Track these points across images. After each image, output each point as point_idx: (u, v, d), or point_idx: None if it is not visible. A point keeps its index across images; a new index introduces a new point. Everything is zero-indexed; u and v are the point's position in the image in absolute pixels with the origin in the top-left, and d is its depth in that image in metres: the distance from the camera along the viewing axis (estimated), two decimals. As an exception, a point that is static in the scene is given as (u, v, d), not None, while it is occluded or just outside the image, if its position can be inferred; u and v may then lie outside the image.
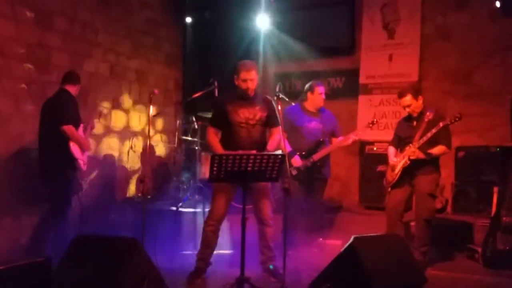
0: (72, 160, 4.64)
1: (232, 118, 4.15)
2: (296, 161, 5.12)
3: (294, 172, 5.14)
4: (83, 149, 4.76)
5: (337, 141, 5.27)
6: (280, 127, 4.27)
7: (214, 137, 4.24)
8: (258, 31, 7.53)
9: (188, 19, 7.52)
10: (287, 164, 3.78)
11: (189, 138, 6.59)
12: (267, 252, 4.26)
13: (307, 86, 5.38)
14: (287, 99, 6.11)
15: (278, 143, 4.28)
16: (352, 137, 5.19)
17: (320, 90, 5.26)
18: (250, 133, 4.17)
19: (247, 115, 4.16)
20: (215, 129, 4.28)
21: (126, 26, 6.75)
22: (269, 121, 4.28)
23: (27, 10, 5.39)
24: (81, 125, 4.86)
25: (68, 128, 4.58)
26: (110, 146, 6.43)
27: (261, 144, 4.23)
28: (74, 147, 4.64)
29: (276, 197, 6.10)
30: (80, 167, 4.74)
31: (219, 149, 4.12)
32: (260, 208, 4.19)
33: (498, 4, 6.16)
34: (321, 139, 5.21)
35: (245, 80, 4.13)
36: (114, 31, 6.56)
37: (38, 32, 5.51)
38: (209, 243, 4.20)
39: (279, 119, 4.21)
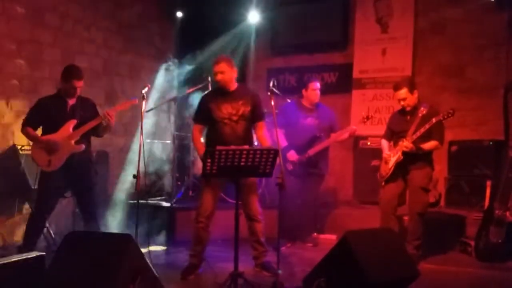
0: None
1: (215, 115, 4.15)
2: (292, 155, 5.13)
3: (290, 167, 5.15)
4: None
5: (333, 136, 5.28)
6: (264, 121, 4.30)
7: (197, 135, 4.31)
8: (251, 26, 7.51)
9: (180, 14, 7.49)
10: (282, 159, 3.77)
11: (182, 134, 6.57)
12: (259, 247, 4.26)
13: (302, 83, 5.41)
14: (280, 95, 6.10)
15: (268, 139, 4.27)
16: (347, 132, 5.21)
17: (314, 86, 5.27)
18: (234, 129, 4.14)
19: (230, 111, 4.15)
20: (199, 125, 4.31)
21: (118, 21, 6.71)
22: (254, 116, 4.24)
23: (18, 6, 5.34)
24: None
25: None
26: (104, 142, 6.38)
27: (247, 140, 4.22)
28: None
29: (271, 192, 6.13)
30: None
31: (200, 147, 4.18)
32: (249, 204, 4.18)
33: None
34: (317, 135, 5.21)
35: (215, 73, 4.18)
36: (106, 27, 6.52)
37: (29, 28, 5.47)
38: (200, 239, 4.19)
39: (264, 113, 4.29)
